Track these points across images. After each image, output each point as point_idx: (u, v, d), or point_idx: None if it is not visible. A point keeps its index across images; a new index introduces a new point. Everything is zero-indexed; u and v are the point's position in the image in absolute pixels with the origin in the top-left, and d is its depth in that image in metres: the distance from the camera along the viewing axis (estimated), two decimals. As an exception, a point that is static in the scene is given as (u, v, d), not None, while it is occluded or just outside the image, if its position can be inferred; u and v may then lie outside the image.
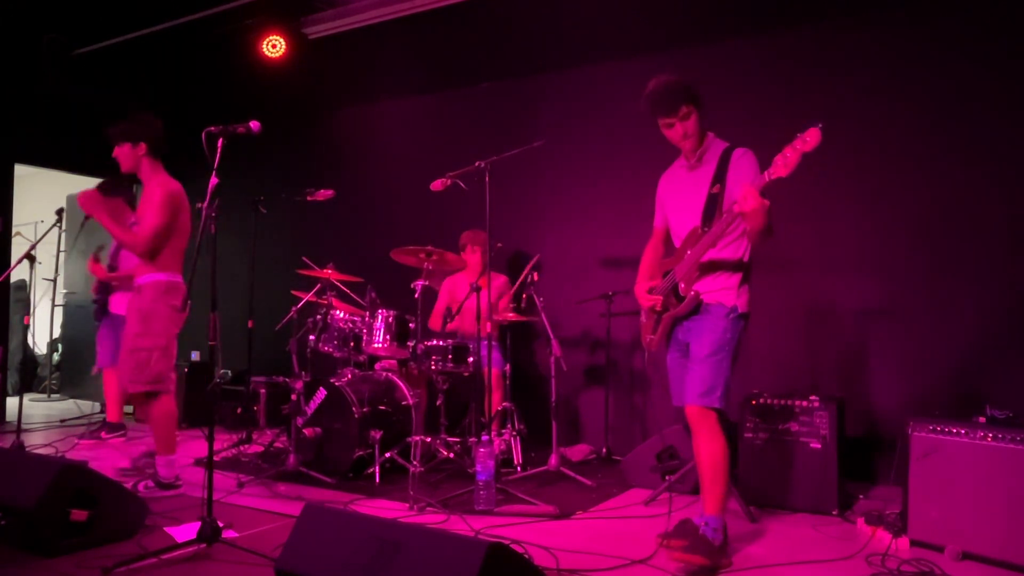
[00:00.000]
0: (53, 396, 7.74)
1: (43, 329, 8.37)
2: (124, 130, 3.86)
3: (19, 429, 4.70)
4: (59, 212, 4.49)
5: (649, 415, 4.91)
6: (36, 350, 8.49)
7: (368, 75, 6.28)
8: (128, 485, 3.52)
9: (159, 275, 3.74)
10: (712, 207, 2.86)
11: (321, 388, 4.24)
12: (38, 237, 4.73)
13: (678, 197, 3.07)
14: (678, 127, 2.91)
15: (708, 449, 2.88)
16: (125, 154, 3.87)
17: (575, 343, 5.23)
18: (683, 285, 2.90)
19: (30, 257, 4.32)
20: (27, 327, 6.33)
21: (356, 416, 4.07)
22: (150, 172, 3.87)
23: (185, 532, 3.03)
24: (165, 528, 3.14)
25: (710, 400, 2.84)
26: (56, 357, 8.11)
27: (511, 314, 4.89)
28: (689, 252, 2.89)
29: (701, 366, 2.86)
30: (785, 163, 2.49)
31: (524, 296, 4.85)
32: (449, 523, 3.32)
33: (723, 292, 2.90)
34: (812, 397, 3.62)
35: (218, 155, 3.04)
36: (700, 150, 2.97)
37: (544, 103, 5.51)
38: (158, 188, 3.79)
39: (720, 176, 2.88)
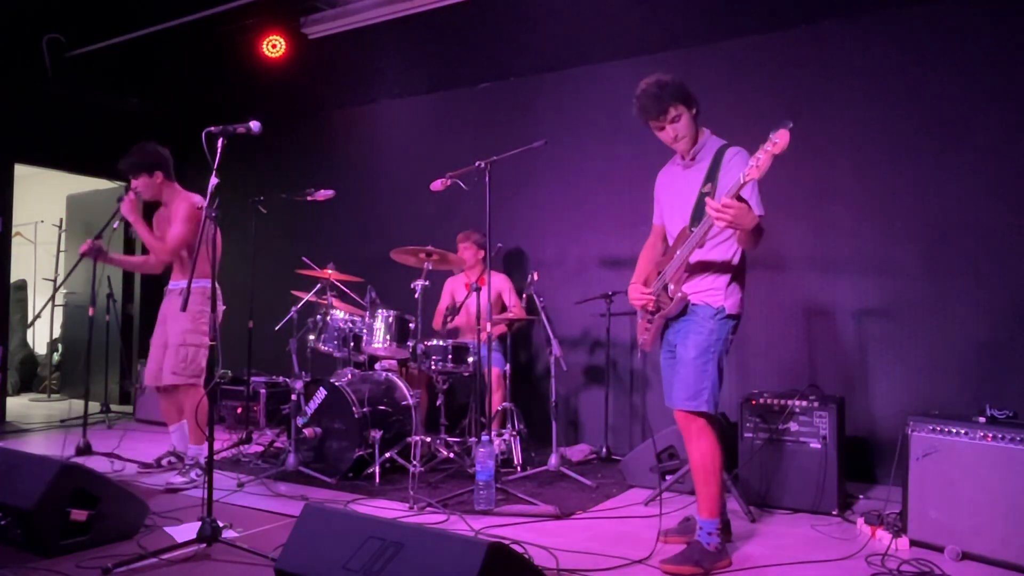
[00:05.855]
0: (53, 396, 7.74)
1: (43, 329, 8.37)
2: (137, 163, 4.13)
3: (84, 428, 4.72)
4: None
5: (649, 415, 4.91)
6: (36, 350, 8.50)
7: (368, 75, 6.28)
8: (176, 481, 3.92)
9: (199, 281, 4.00)
10: (702, 207, 2.79)
11: (321, 388, 4.24)
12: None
13: (672, 195, 3.04)
14: (668, 130, 2.88)
15: (697, 451, 2.88)
16: (144, 184, 4.17)
17: (575, 343, 5.23)
18: (672, 286, 2.88)
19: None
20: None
21: (356, 416, 4.07)
22: (171, 193, 4.21)
23: (185, 532, 3.03)
24: (165, 528, 3.14)
25: (696, 404, 2.83)
26: (56, 357, 8.11)
27: (516, 311, 4.91)
28: (678, 252, 2.87)
29: (686, 370, 2.85)
30: (758, 166, 2.43)
31: (524, 296, 4.85)
32: (449, 523, 3.32)
33: (710, 293, 2.88)
34: (812, 397, 3.62)
35: (218, 155, 3.04)
36: (694, 149, 2.94)
37: (544, 103, 5.51)
38: (182, 202, 4.14)
39: (712, 175, 2.84)
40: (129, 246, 7.14)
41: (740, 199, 2.54)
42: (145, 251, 4.35)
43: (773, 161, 2.40)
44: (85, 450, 4.50)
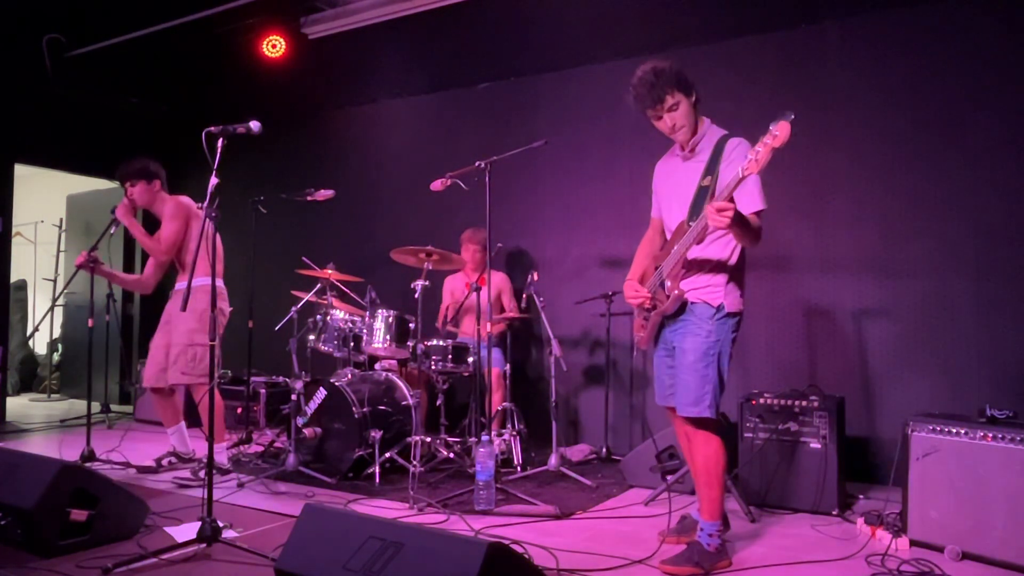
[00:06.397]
0: (53, 396, 7.74)
1: (43, 329, 8.37)
2: (139, 169, 4.22)
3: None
4: None
5: (649, 415, 4.90)
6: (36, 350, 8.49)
7: (368, 75, 6.28)
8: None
9: (201, 280, 3.95)
10: (701, 200, 2.72)
11: (321, 388, 4.24)
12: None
13: (671, 187, 2.95)
14: (666, 119, 2.79)
15: (702, 455, 2.85)
16: (140, 191, 4.25)
17: (575, 343, 5.23)
18: (669, 283, 2.80)
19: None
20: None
21: (356, 416, 4.07)
22: (162, 202, 4.28)
23: (185, 532, 3.03)
24: (165, 528, 3.14)
25: (699, 410, 2.78)
26: (56, 357, 8.11)
27: (513, 313, 4.90)
28: (676, 248, 2.79)
29: (687, 374, 2.79)
30: (757, 160, 2.34)
31: (524, 296, 4.85)
32: (449, 523, 3.32)
33: (708, 291, 2.80)
34: (812, 397, 3.62)
35: (218, 155, 3.04)
36: (694, 140, 2.84)
37: (544, 103, 5.51)
38: (170, 203, 4.23)
39: (712, 167, 2.75)
40: (129, 248, 7.14)
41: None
42: (144, 265, 4.40)
43: (773, 155, 2.33)
44: (89, 457, 4.45)
